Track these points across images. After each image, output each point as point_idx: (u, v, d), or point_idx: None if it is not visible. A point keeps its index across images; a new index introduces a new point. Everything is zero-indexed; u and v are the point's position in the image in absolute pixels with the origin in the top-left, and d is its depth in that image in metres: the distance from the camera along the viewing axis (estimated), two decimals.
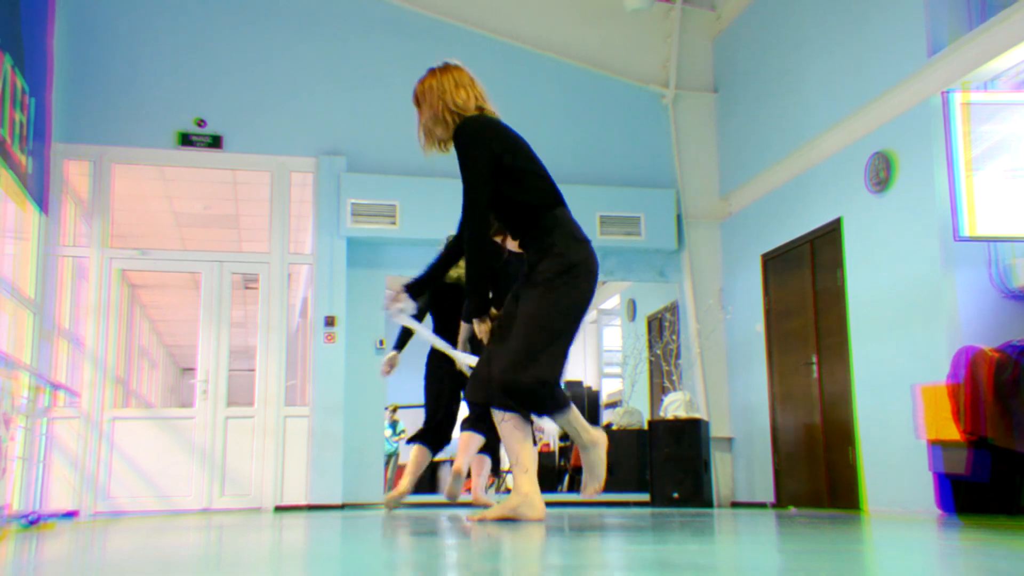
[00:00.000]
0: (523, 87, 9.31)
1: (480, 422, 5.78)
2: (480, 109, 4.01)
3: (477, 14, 9.49)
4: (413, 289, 4.47)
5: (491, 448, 6.14)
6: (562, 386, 3.89)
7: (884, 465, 7.00)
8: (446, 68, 4.08)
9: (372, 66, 9.18)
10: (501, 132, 3.92)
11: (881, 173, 7.19)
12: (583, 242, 3.85)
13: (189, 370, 19.04)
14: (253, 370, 8.72)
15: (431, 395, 6.04)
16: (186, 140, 8.74)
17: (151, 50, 8.82)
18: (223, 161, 8.94)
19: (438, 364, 5.98)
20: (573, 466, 12.04)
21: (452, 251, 5.04)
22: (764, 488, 8.73)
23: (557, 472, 12.66)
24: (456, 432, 6.06)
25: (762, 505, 8.68)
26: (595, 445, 3.98)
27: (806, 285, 8.21)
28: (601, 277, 10.62)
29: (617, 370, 13.64)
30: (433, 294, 5.99)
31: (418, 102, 4.07)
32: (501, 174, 3.82)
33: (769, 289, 8.83)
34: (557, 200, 3.88)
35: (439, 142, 4.03)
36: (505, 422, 3.87)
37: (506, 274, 5.33)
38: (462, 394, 5.90)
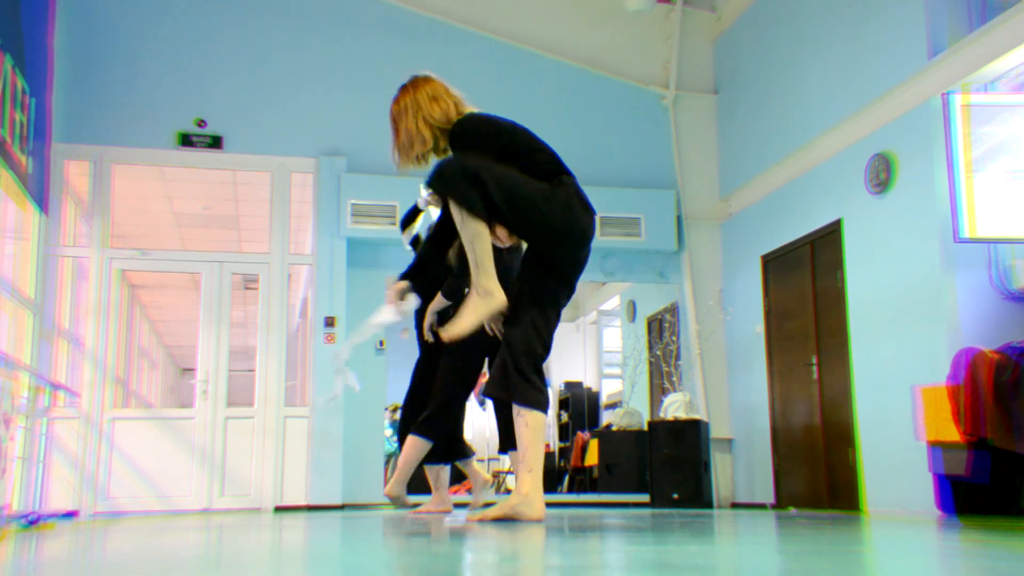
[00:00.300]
0: (524, 88, 9.31)
1: (431, 425, 5.65)
2: (461, 115, 3.99)
3: (478, 15, 9.49)
4: (411, 277, 4.28)
5: (458, 452, 6.00)
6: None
7: (884, 466, 7.00)
8: (417, 83, 4.01)
9: (372, 66, 9.18)
10: (494, 125, 3.93)
11: (881, 174, 7.20)
12: (586, 203, 3.89)
13: (189, 370, 19.03)
14: (253, 370, 8.72)
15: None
16: (186, 140, 8.74)
17: (151, 50, 8.82)
18: (223, 161, 8.94)
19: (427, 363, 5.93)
20: (573, 467, 12.05)
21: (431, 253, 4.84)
22: (764, 489, 8.73)
23: (557, 472, 12.67)
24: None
25: (762, 506, 8.68)
26: (487, 295, 3.72)
27: (806, 286, 8.22)
28: (601, 278, 10.63)
29: (617, 371, 13.65)
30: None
31: (395, 122, 4.02)
32: (506, 161, 3.83)
33: (769, 290, 8.84)
34: (561, 169, 3.91)
35: (417, 158, 4.02)
36: (520, 417, 3.84)
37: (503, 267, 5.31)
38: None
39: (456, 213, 3.71)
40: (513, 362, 3.81)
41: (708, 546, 2.77)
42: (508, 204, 3.71)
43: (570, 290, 4.07)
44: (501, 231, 3.89)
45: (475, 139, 3.86)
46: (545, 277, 3.95)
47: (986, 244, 6.45)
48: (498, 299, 3.77)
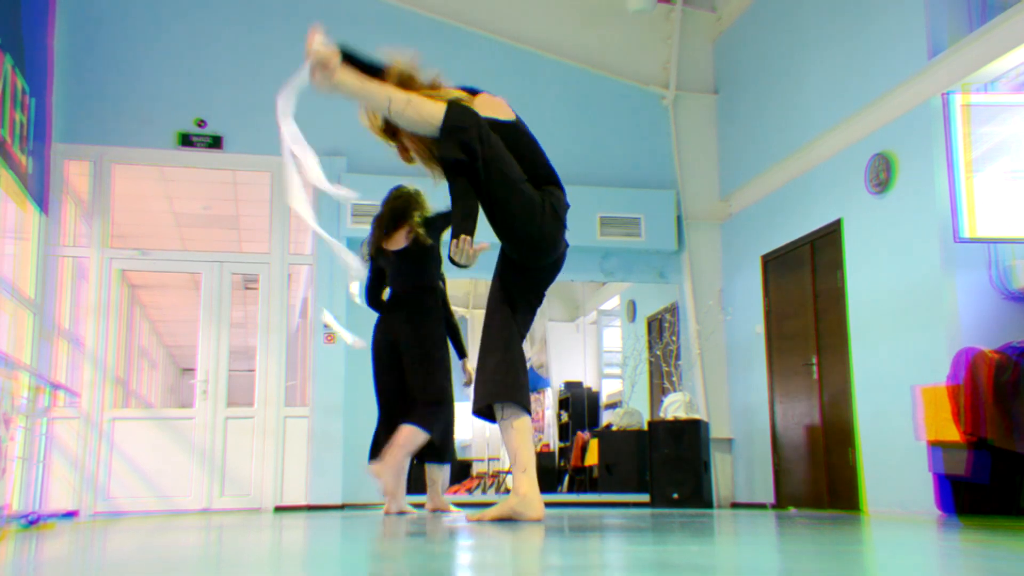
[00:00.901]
0: (524, 88, 9.30)
1: (432, 418, 5.56)
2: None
3: (478, 15, 9.49)
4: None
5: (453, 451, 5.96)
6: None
7: (884, 466, 7.00)
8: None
9: None
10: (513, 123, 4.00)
11: (881, 174, 7.20)
12: (559, 214, 3.93)
13: (189, 370, 19.03)
14: (253, 370, 8.72)
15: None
16: (186, 140, 8.74)
17: (151, 50, 8.82)
18: (223, 161, 8.94)
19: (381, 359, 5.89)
20: (573, 467, 12.05)
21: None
22: (764, 489, 8.73)
23: (557, 472, 12.67)
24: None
25: (762, 506, 8.68)
26: (338, 83, 3.96)
27: (806, 286, 8.22)
28: (601, 278, 10.64)
29: (617, 371, 13.64)
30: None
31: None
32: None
33: (769, 290, 8.83)
34: (554, 180, 3.95)
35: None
36: (505, 420, 3.86)
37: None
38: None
39: (433, 120, 3.75)
40: (501, 368, 3.82)
41: (708, 546, 2.77)
42: (492, 183, 3.73)
43: (540, 296, 4.10)
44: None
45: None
46: (517, 282, 3.96)
47: (986, 244, 6.45)
48: (337, 78, 4.10)
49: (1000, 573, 1.96)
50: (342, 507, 8.39)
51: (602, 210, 9.14)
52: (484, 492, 12.07)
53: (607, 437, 10.29)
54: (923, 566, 2.27)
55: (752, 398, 9.01)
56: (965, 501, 6.01)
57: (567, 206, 3.98)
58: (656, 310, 11.30)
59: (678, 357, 9.37)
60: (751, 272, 9.10)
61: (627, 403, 10.74)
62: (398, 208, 5.89)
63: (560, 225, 3.91)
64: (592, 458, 11.14)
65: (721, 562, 2.29)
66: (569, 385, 13.72)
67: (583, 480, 11.63)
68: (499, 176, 3.75)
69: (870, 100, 7.34)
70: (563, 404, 13.63)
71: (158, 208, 11.05)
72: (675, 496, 8.15)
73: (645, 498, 8.79)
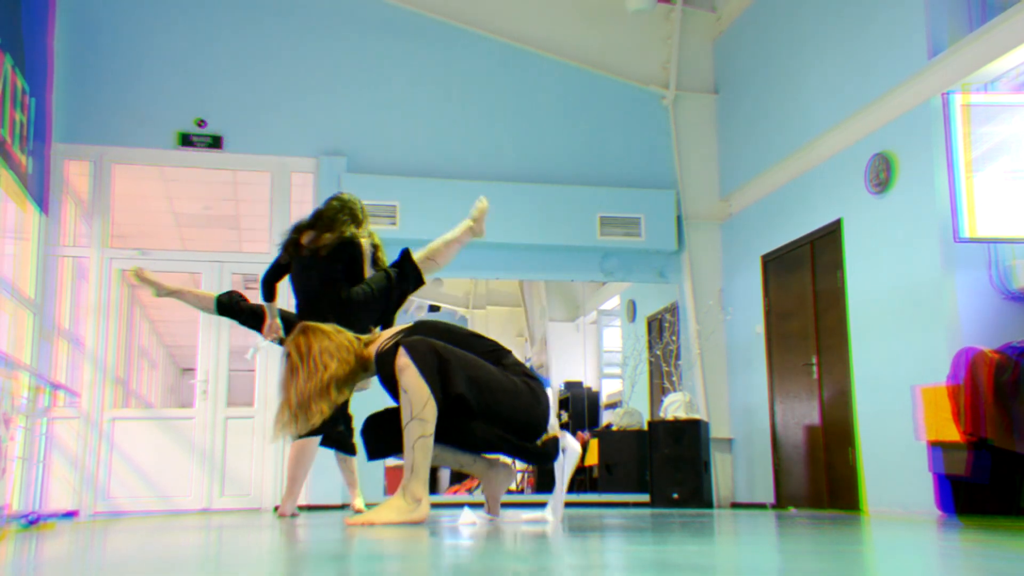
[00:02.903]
0: (524, 88, 9.31)
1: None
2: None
3: (478, 15, 9.49)
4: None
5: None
6: None
7: (884, 466, 7.01)
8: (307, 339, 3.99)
9: (372, 66, 9.18)
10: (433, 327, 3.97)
11: (881, 174, 7.20)
12: (538, 378, 3.95)
13: (189, 370, 19.01)
14: (253, 370, 8.71)
15: None
16: (186, 140, 8.74)
17: (151, 50, 8.82)
18: (223, 161, 8.94)
19: None
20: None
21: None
22: (764, 489, 8.73)
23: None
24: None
25: (762, 506, 8.68)
26: (415, 503, 3.62)
27: (806, 286, 8.22)
28: (601, 278, 10.66)
29: (617, 371, 13.64)
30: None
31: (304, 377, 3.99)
32: None
33: (769, 290, 8.84)
34: (502, 349, 3.96)
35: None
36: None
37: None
38: None
39: (414, 401, 3.54)
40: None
41: (708, 546, 2.77)
42: (476, 395, 3.59)
43: None
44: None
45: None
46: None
47: (986, 244, 6.45)
48: (424, 509, 3.62)
49: (1000, 573, 1.96)
50: (342, 507, 8.39)
51: (602, 210, 9.13)
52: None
53: (607, 437, 10.29)
54: (923, 566, 2.27)
55: (752, 398, 9.01)
56: (965, 501, 6.01)
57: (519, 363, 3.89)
58: (656, 310, 11.30)
59: (678, 357, 9.37)
60: (751, 272, 9.10)
61: (627, 403, 10.74)
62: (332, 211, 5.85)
63: (546, 400, 3.79)
64: (592, 458, 11.14)
65: (721, 562, 2.29)
66: (569, 385, 13.72)
67: (583, 480, 11.63)
68: (478, 390, 3.65)
69: (870, 100, 7.34)
70: (563, 404, 13.63)
71: (158, 208, 11.05)
72: (675, 496, 8.15)
73: (645, 498, 8.79)
